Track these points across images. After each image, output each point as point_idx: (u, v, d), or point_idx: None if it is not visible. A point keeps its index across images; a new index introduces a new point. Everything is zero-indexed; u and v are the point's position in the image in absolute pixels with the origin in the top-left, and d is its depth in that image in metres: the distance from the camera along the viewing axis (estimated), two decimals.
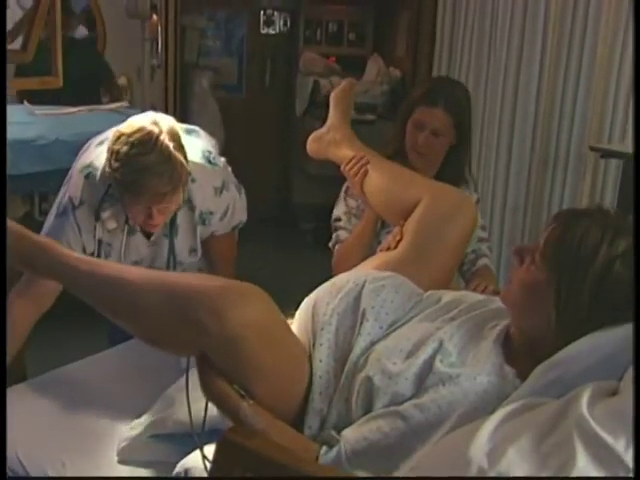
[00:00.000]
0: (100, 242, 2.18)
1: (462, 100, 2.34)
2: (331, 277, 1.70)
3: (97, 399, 2.04)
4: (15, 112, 3.24)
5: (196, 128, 2.33)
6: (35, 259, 1.55)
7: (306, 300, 1.64)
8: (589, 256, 1.29)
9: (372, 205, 2.10)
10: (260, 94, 6.06)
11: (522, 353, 1.39)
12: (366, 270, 1.72)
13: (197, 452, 1.49)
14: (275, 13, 5.93)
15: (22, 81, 3.59)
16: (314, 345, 1.52)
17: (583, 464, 0.93)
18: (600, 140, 3.28)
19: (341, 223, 2.33)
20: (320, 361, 1.49)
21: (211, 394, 1.41)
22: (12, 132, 2.79)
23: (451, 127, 2.29)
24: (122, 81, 4.40)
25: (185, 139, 2.09)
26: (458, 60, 3.65)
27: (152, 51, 4.01)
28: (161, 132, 1.92)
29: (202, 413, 1.48)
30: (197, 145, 2.22)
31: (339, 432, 1.39)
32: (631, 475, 0.92)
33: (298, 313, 1.64)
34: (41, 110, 3.37)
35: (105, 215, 2.12)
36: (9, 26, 3.35)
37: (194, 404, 1.50)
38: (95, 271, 1.50)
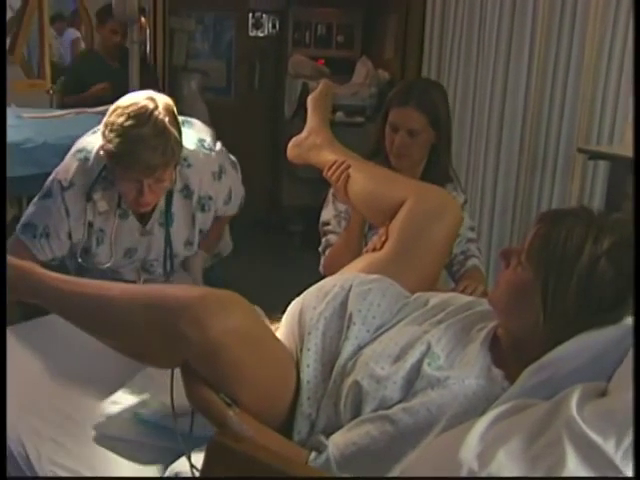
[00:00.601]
0: (91, 226, 2.17)
1: (436, 98, 2.33)
2: (319, 280, 1.69)
3: (76, 359, 1.98)
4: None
5: (190, 119, 2.34)
6: (17, 283, 1.55)
7: (293, 304, 1.63)
8: (574, 254, 1.28)
9: (357, 208, 2.09)
10: (249, 97, 6.06)
11: (510, 355, 1.39)
12: (353, 273, 1.71)
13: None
14: (264, 16, 5.92)
15: (10, 84, 3.58)
16: (301, 350, 1.51)
17: (573, 465, 0.92)
18: (588, 142, 3.30)
19: (330, 227, 2.33)
20: (308, 366, 1.48)
21: (197, 403, 1.40)
22: None
23: (427, 126, 2.28)
24: None
25: (190, 141, 2.16)
26: (447, 62, 3.66)
27: (140, 54, 4.01)
28: (156, 107, 1.94)
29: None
30: (190, 134, 2.23)
31: (328, 437, 1.39)
32: (628, 475, 0.92)
33: (285, 317, 1.63)
34: (29, 113, 3.36)
35: (97, 196, 2.11)
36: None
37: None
38: (76, 290, 1.50)
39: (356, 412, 1.38)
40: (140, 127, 1.90)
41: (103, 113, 2.81)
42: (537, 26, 3.35)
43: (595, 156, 3.11)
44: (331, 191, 2.35)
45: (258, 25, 5.92)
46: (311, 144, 2.17)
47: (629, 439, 0.93)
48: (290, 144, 2.23)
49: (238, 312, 1.41)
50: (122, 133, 1.91)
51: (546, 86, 3.39)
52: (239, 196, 2.44)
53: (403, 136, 2.27)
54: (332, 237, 2.30)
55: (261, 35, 5.96)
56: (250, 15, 5.91)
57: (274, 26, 5.94)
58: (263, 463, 1.19)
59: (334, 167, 2.05)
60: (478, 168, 3.60)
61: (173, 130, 1.96)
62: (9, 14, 3.49)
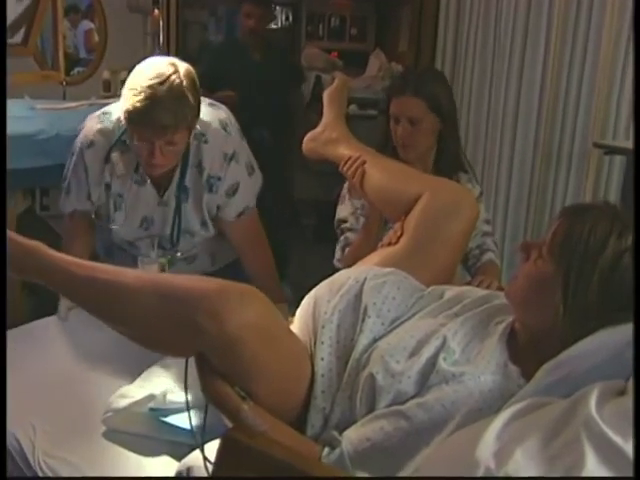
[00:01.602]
0: (109, 188, 2.22)
1: (434, 83, 2.31)
2: (333, 274, 1.69)
3: (75, 356, 2.00)
4: (16, 106, 3.22)
5: (219, 104, 2.36)
6: (24, 262, 1.52)
7: (306, 298, 1.63)
8: (598, 249, 1.28)
9: (373, 203, 2.09)
10: None
11: (527, 350, 1.38)
12: (367, 266, 1.71)
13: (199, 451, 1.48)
14: (277, 8, 5.91)
15: (24, 75, 3.57)
16: (315, 343, 1.50)
17: (592, 465, 0.91)
18: (604, 136, 3.27)
19: (348, 224, 2.31)
20: (322, 359, 1.48)
21: (211, 395, 1.40)
22: (12, 126, 2.78)
23: (427, 112, 2.25)
24: (105, 75, 4.37)
25: (207, 109, 2.20)
26: (461, 55, 3.63)
27: (154, 45, 4.01)
28: (176, 72, 1.98)
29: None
30: (216, 113, 2.27)
31: (342, 431, 1.38)
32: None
33: (299, 311, 1.63)
34: (42, 104, 3.36)
35: (115, 158, 2.15)
36: (9, 19, 3.34)
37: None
38: (89, 275, 1.48)
39: (370, 406, 1.38)
40: (155, 88, 1.94)
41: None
42: (553, 19, 3.32)
43: (611, 151, 3.09)
44: (346, 187, 2.34)
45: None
46: (327, 139, 2.17)
47: None
48: (306, 139, 2.23)
49: (255, 306, 1.40)
50: (138, 92, 1.95)
51: (562, 80, 3.37)
52: (243, 202, 2.33)
53: (405, 126, 2.26)
54: (350, 235, 2.29)
55: (274, 27, 5.94)
56: None
57: (287, 18, 5.93)
58: (276, 459, 1.19)
59: (350, 162, 2.04)
60: (493, 161, 3.58)
61: (189, 95, 1.99)
62: (22, 5, 3.49)
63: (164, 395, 1.75)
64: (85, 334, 2.10)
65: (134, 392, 1.79)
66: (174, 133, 2.00)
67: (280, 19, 5.93)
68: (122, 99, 2.01)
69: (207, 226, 2.31)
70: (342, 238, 2.31)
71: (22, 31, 3.55)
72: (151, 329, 1.44)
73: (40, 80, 3.68)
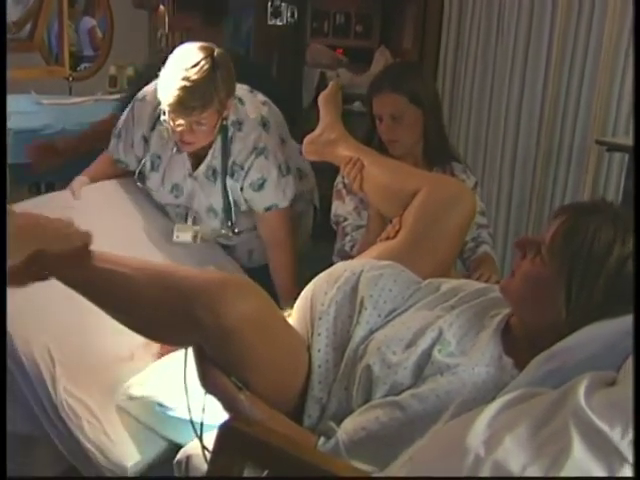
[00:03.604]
0: (148, 145, 2.36)
1: (410, 76, 2.32)
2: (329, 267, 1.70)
3: None
4: (22, 101, 3.25)
5: (264, 97, 2.46)
6: (22, 236, 1.47)
7: (305, 290, 1.64)
8: (603, 255, 1.28)
9: (373, 202, 2.11)
10: None
11: (522, 343, 1.39)
12: (364, 259, 1.73)
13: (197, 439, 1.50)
14: (282, 4, 5.90)
15: (30, 70, 3.60)
16: (312, 335, 1.52)
17: (579, 452, 0.93)
18: (604, 134, 3.28)
19: (350, 222, 2.32)
20: (319, 351, 1.50)
21: (209, 386, 1.42)
22: (19, 121, 2.81)
23: (408, 106, 2.26)
24: (112, 71, 4.39)
25: (251, 99, 2.36)
26: (464, 52, 3.63)
27: (159, 41, 4.02)
28: (207, 56, 2.09)
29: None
30: (260, 107, 2.39)
31: (339, 421, 1.40)
32: (626, 462, 0.92)
33: (297, 303, 1.65)
34: (48, 99, 3.38)
35: (164, 119, 2.21)
36: (17, 15, 3.36)
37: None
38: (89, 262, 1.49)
39: (367, 396, 1.39)
40: (185, 70, 2.06)
41: (121, 100, 2.85)
42: (556, 17, 3.32)
43: (613, 148, 3.09)
44: (341, 182, 2.35)
45: (277, 14, 5.89)
46: (326, 140, 2.19)
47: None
48: (306, 141, 2.25)
49: (254, 299, 1.43)
50: (170, 75, 2.08)
51: (563, 77, 3.37)
52: (269, 199, 2.38)
53: (387, 122, 2.27)
54: (355, 234, 2.29)
55: (280, 24, 5.93)
56: (269, 4, 5.90)
57: (293, 15, 5.92)
58: (273, 447, 1.20)
59: (349, 166, 2.08)
60: (495, 158, 3.58)
61: (219, 79, 2.10)
62: (20, 6, 3.50)
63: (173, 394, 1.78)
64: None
65: (151, 384, 1.84)
66: (201, 113, 2.11)
67: (285, 16, 5.91)
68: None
69: (230, 212, 2.39)
70: (348, 238, 2.31)
71: (28, 26, 3.57)
72: (151, 319, 1.46)
73: (45, 75, 3.70)
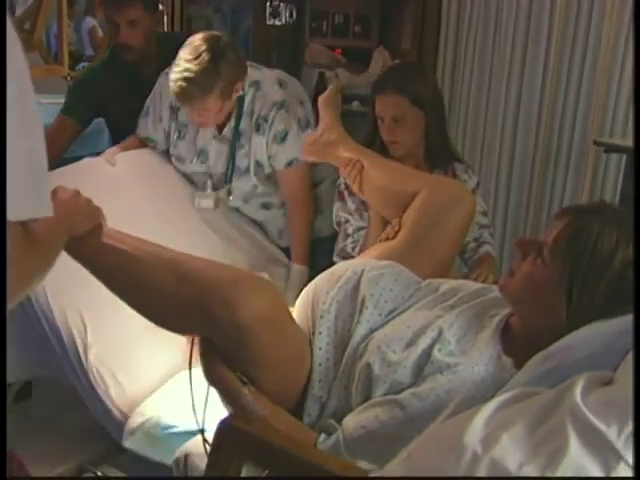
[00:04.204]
0: (176, 115, 2.49)
1: (412, 77, 2.31)
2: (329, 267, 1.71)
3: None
4: None
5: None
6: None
7: (306, 289, 1.66)
8: (606, 259, 1.28)
9: (372, 203, 2.13)
10: None
11: (522, 343, 1.40)
12: (365, 259, 1.74)
13: (197, 438, 1.51)
14: (281, 4, 5.90)
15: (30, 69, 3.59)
16: (314, 333, 1.53)
17: (575, 450, 0.94)
18: (602, 135, 3.28)
19: (352, 223, 2.32)
20: (320, 349, 1.51)
21: (213, 379, 1.43)
22: None
23: (410, 108, 2.26)
24: None
25: (269, 71, 2.52)
26: (463, 53, 3.64)
27: None
28: (208, 48, 2.20)
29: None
30: (277, 74, 2.53)
31: (338, 420, 1.41)
32: (629, 460, 0.93)
33: (298, 302, 1.66)
34: (47, 99, 3.38)
35: None
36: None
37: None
38: (106, 241, 1.50)
39: (366, 395, 1.41)
40: (187, 64, 2.18)
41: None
42: (554, 18, 3.33)
43: (611, 149, 3.10)
44: (343, 184, 2.35)
45: (275, 14, 5.90)
46: (326, 141, 2.21)
47: (631, 425, 0.94)
48: (306, 142, 2.28)
49: (268, 298, 1.44)
50: (177, 67, 2.20)
51: (561, 79, 3.37)
52: (290, 153, 2.47)
53: (389, 123, 2.27)
54: (357, 235, 2.30)
55: (278, 24, 5.94)
56: (267, 4, 5.90)
57: (291, 15, 5.92)
58: (272, 444, 1.21)
59: (349, 168, 2.10)
60: (493, 159, 3.59)
61: (220, 66, 2.21)
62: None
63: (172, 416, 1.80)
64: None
65: (149, 410, 1.85)
66: (204, 101, 2.24)
67: (284, 15, 5.92)
68: None
69: (256, 173, 2.50)
70: (349, 240, 2.31)
71: (28, 24, 3.57)
72: (163, 306, 1.47)
73: (44, 74, 3.69)
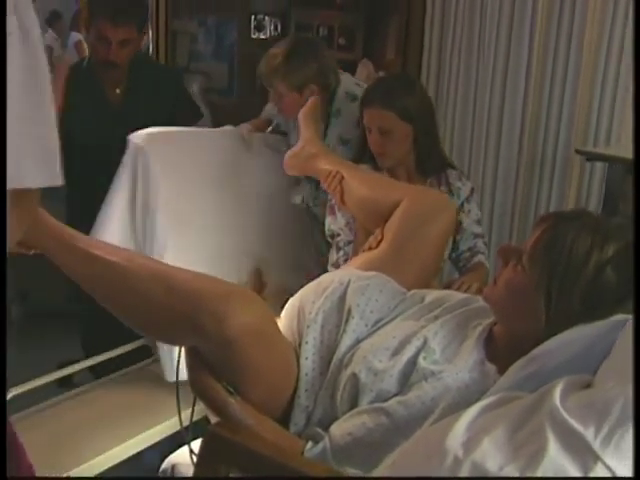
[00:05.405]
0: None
1: (400, 92, 2.32)
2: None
3: None
4: None
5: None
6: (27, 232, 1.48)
7: (292, 299, 1.67)
8: (581, 261, 1.31)
9: (354, 214, 2.15)
10: (251, 97, 6.07)
11: (505, 350, 1.42)
12: (351, 269, 1.75)
13: (184, 448, 1.52)
14: (266, 18, 5.93)
15: None
16: (300, 344, 1.55)
17: (554, 452, 0.95)
18: (585, 144, 3.31)
19: (342, 237, 2.34)
20: (306, 359, 1.52)
21: (199, 389, 1.44)
22: None
23: (397, 121, 2.28)
24: None
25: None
26: (447, 64, 3.67)
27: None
28: (287, 48, 2.55)
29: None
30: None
31: (324, 428, 1.42)
32: (608, 462, 0.95)
33: (284, 312, 1.67)
34: None
35: None
36: None
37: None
38: (92, 252, 1.50)
39: (353, 404, 1.42)
40: (270, 62, 2.53)
41: None
42: (535, 29, 3.36)
43: (592, 157, 3.12)
44: (332, 199, 2.37)
45: (260, 27, 5.92)
46: (307, 154, 2.23)
47: (608, 426, 0.96)
48: (287, 155, 2.29)
49: (255, 310, 1.45)
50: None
51: (544, 88, 3.40)
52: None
53: (375, 135, 2.30)
54: (348, 248, 2.31)
55: (263, 37, 5.96)
56: (252, 17, 5.92)
57: (276, 28, 5.94)
58: (258, 453, 1.22)
59: (330, 179, 2.11)
60: (478, 167, 3.61)
61: (294, 63, 2.49)
62: None
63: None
64: None
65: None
66: (278, 86, 2.54)
67: (269, 29, 5.94)
68: None
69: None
70: (341, 253, 2.33)
71: None
72: (151, 316, 1.47)
73: None
